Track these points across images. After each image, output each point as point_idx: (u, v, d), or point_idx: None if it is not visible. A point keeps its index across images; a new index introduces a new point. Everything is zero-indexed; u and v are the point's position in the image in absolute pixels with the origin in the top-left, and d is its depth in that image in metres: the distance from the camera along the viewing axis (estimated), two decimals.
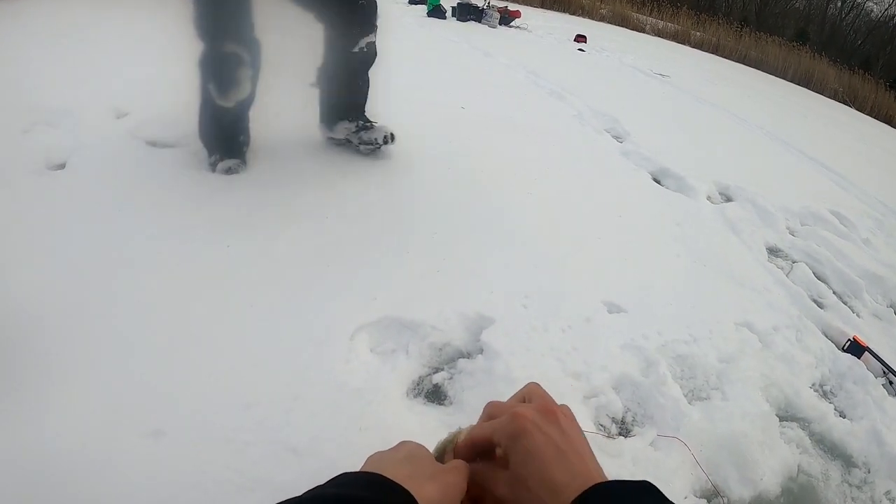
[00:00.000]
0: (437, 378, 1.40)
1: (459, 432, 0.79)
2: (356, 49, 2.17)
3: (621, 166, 3.12)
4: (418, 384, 1.39)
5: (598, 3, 16.62)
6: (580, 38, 9.02)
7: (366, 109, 2.38)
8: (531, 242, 2.03)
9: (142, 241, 1.66)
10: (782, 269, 2.45)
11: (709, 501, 1.28)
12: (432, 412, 1.30)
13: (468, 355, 1.49)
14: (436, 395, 1.37)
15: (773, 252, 2.60)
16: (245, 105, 2.06)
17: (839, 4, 34.63)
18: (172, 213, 1.81)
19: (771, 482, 1.36)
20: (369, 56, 2.24)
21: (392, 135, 2.38)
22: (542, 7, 15.04)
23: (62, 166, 1.99)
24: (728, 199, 3.07)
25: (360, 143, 2.35)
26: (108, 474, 1.04)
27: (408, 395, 1.35)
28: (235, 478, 1.06)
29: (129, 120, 2.40)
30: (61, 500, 0.99)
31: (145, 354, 1.29)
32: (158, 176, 2.01)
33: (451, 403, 1.35)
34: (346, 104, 2.36)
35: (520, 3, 12.56)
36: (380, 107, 2.26)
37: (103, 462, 1.06)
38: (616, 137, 3.67)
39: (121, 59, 3.06)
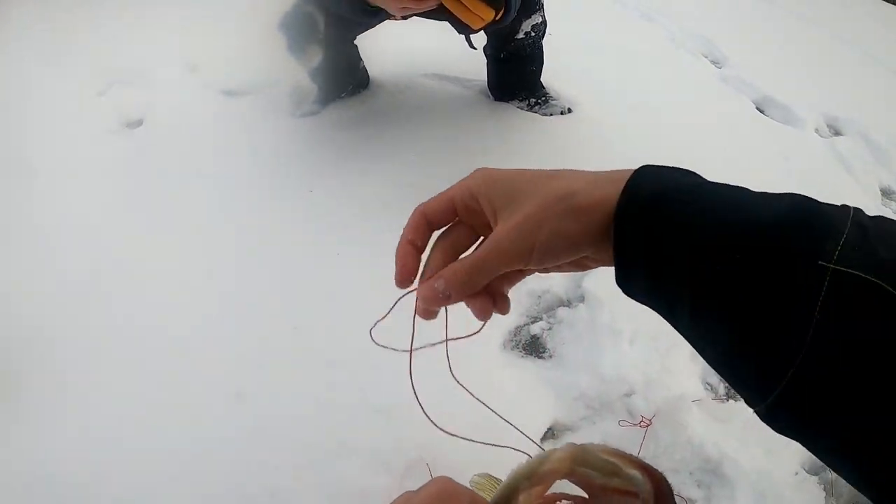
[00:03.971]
0: (536, 328, 1.34)
1: (543, 461, 0.55)
2: (521, 35, 1.95)
3: (722, 93, 2.91)
4: (515, 335, 1.33)
5: None
6: None
7: (541, 80, 2.25)
8: None
9: (225, 191, 1.66)
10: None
11: (819, 476, 1.19)
12: (530, 365, 1.25)
13: (569, 303, 1.42)
14: (534, 347, 1.31)
15: (887, 194, 2.40)
16: (327, 70, 1.98)
17: None
18: (254, 161, 1.80)
19: None
20: (538, 37, 2.03)
21: (569, 108, 2.23)
22: None
23: (140, 123, 2.01)
24: (837, 133, 2.84)
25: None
26: (197, 431, 1.04)
27: (504, 347, 1.30)
28: (325, 441, 1.05)
29: (203, 71, 2.37)
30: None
31: (227, 311, 1.29)
32: (236, 125, 2.00)
33: (550, 357, 1.29)
34: (519, 85, 2.20)
35: None
36: None
37: (190, 420, 1.06)
38: (714, 62, 3.42)
39: (188, 15, 3.00)
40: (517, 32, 1.94)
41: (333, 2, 1.66)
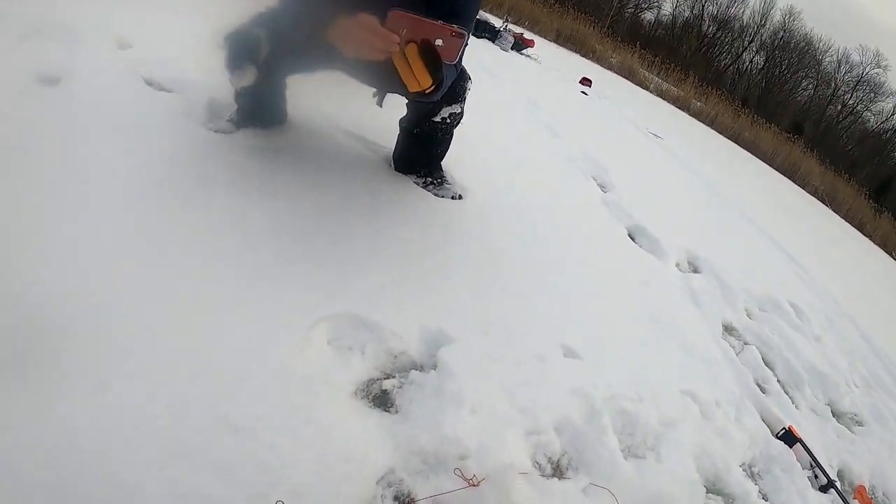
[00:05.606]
0: (388, 384, 1.41)
1: None
2: (438, 119, 2.09)
3: (600, 215, 3.16)
4: (368, 385, 1.39)
5: (610, 52, 16.88)
6: (585, 81, 9.10)
7: (442, 163, 2.38)
8: (499, 269, 2.04)
9: (120, 184, 1.61)
10: (734, 347, 2.51)
11: None
12: (376, 417, 1.31)
13: (422, 368, 1.49)
14: (382, 401, 1.37)
15: (729, 330, 2.66)
16: (254, 96, 2.02)
17: (839, 108, 36.02)
18: (155, 160, 1.77)
19: None
20: (452, 125, 2.17)
21: (460, 195, 2.37)
22: (555, 42, 15.20)
23: (56, 82, 1.92)
24: (695, 270, 3.12)
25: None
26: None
27: (356, 395, 1.35)
28: (170, 444, 1.05)
29: (132, 53, 2.33)
30: None
31: (90, 312, 1.23)
32: (148, 117, 1.96)
33: (396, 412, 1.35)
34: (421, 162, 2.32)
35: (535, 34, 12.67)
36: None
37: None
38: (601, 186, 3.72)
39: None
40: (435, 115, 2.07)
41: (288, 30, 1.71)
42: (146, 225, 1.53)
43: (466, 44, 1.50)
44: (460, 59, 1.67)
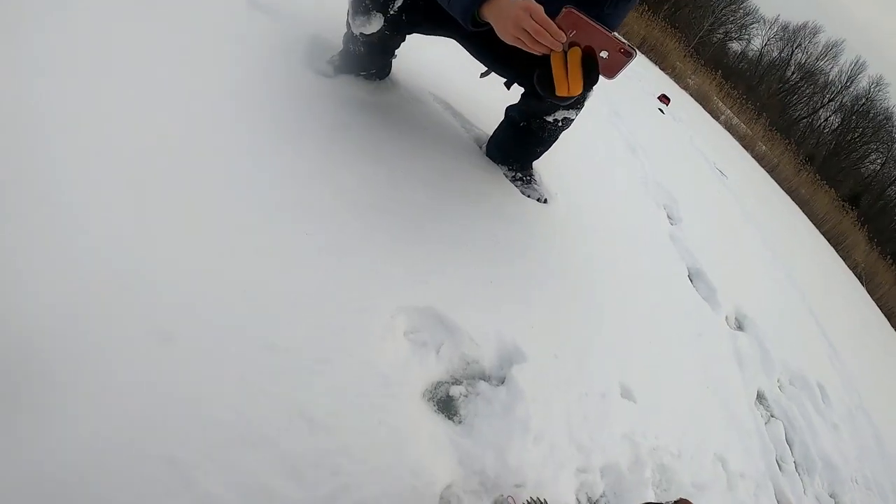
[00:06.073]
0: (454, 390, 1.37)
1: None
2: (550, 119, 1.99)
3: (667, 250, 3.11)
4: (435, 388, 1.35)
5: (689, 72, 16.53)
6: (664, 99, 8.88)
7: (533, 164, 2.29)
8: (576, 289, 2.00)
9: (201, 113, 1.52)
10: (762, 418, 2.48)
11: None
12: (442, 425, 1.27)
13: (490, 380, 1.46)
14: (446, 406, 1.33)
15: (760, 398, 2.63)
16: (367, 45, 1.91)
17: None
18: (244, 90, 1.69)
19: None
20: (562, 128, 2.07)
21: (546, 199, 2.28)
22: (638, 48, 14.86)
23: None
24: (740, 328, 3.07)
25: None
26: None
27: (423, 396, 1.32)
28: (238, 431, 0.99)
29: None
30: None
31: (153, 272, 1.13)
32: (247, 43, 1.87)
33: (460, 422, 1.32)
34: (517, 156, 2.24)
35: (621, 35, 12.39)
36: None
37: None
38: (670, 218, 3.65)
39: None
40: (549, 115, 1.98)
41: None
42: (224, 163, 1.44)
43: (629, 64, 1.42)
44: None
